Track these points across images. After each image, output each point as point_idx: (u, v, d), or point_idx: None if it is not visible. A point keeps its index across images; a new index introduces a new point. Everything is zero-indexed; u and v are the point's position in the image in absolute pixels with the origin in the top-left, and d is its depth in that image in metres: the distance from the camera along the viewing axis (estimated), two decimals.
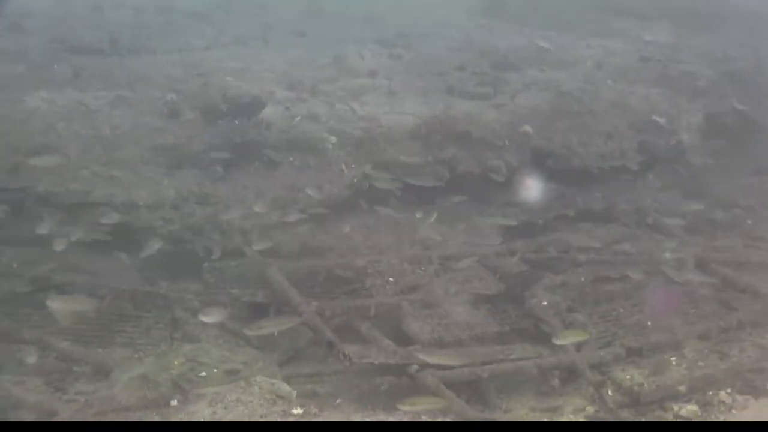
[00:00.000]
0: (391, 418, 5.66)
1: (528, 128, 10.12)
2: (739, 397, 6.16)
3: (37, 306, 7.09)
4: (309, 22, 16.07)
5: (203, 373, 6.39)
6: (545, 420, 6.06)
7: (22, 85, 10.47)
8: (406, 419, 5.65)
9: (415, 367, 6.22)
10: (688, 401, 6.14)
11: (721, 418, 5.90)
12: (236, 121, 9.36)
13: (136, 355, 6.68)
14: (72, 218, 7.97)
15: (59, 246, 7.26)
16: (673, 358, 6.67)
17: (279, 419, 5.49)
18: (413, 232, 8.65)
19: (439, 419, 5.69)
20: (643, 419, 5.98)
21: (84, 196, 8.18)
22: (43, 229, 7.46)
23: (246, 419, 5.50)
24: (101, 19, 15.47)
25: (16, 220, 8.02)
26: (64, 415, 5.71)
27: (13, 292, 7.16)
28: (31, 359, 6.34)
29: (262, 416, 5.55)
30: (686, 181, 10.61)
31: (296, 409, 5.70)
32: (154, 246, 7.63)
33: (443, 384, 6.07)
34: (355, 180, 9.04)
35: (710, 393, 6.18)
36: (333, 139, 9.35)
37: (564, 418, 6.05)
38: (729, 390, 6.21)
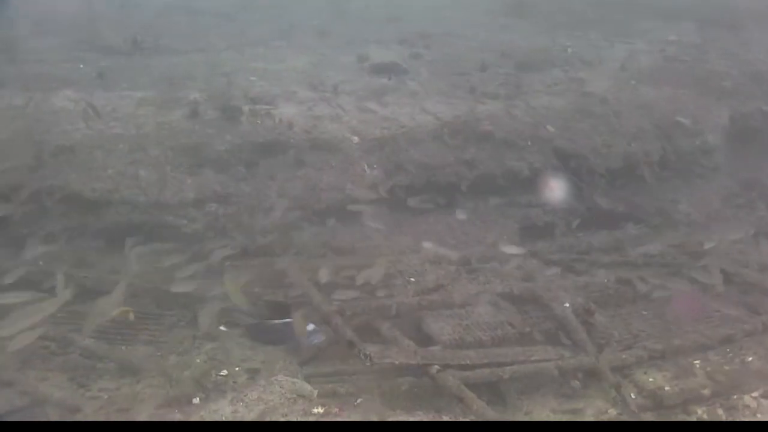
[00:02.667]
0: (411, 419, 5.66)
1: (551, 129, 10.07)
2: (765, 402, 6.10)
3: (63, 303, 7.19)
4: (331, 23, 16.10)
5: (224, 372, 6.45)
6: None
7: (48, 84, 10.60)
8: (426, 419, 5.65)
9: (436, 367, 6.21)
10: (712, 405, 6.08)
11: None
12: (259, 121, 9.40)
13: (159, 353, 6.75)
14: (95, 217, 8.09)
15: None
16: (697, 362, 6.62)
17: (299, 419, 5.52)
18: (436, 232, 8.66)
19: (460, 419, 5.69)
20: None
21: (108, 195, 8.26)
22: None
23: (267, 418, 5.52)
24: (125, 20, 15.62)
25: (41, 218, 8.13)
26: (88, 411, 5.77)
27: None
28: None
29: (283, 415, 5.58)
30: (710, 182, 10.51)
31: (317, 408, 5.72)
32: None
33: (464, 385, 6.06)
34: (377, 180, 9.05)
35: (735, 397, 6.12)
36: (355, 139, 9.36)
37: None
38: (754, 394, 6.14)
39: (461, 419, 5.73)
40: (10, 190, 8.13)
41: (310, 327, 6.88)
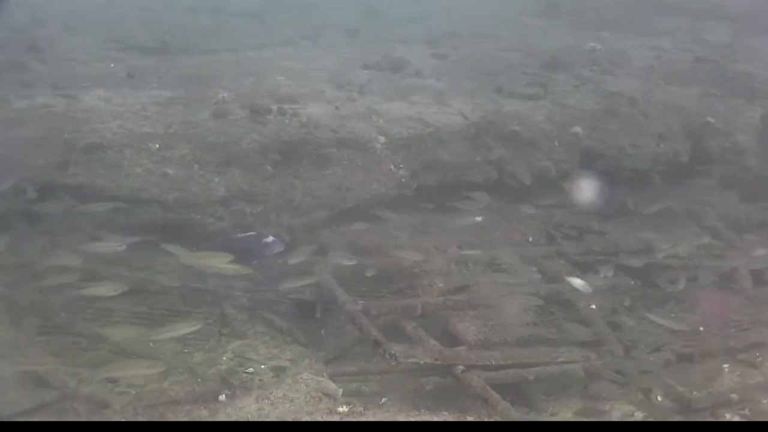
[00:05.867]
0: (435, 418, 5.66)
1: (578, 129, 10.00)
2: None
3: (92, 300, 7.29)
4: (359, 22, 16.13)
5: (250, 369, 6.49)
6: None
7: (78, 84, 10.73)
8: (451, 419, 5.65)
9: (461, 367, 6.21)
10: (741, 409, 6.01)
11: None
12: (286, 120, 9.45)
13: (186, 350, 6.81)
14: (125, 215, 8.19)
15: None
16: (726, 365, 6.54)
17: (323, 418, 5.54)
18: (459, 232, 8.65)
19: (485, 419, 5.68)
20: None
21: (137, 194, 8.35)
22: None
23: (292, 416, 5.55)
24: (155, 20, 15.78)
25: (70, 216, 8.24)
26: (116, 406, 5.84)
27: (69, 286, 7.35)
28: None
29: (308, 413, 5.61)
30: (741, 184, 10.39)
31: (342, 407, 5.74)
32: None
33: (489, 385, 6.04)
34: (403, 180, 9.07)
35: (765, 401, 6.04)
36: (382, 138, 9.38)
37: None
38: None
39: (486, 419, 5.72)
40: (41, 188, 8.26)
41: (269, 239, 7.71)
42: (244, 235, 7.96)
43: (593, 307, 7.25)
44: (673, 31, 15.08)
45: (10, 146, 8.67)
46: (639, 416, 6.04)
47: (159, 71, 11.75)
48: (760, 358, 6.64)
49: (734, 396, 6.10)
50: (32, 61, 11.83)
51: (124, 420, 5.68)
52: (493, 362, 6.32)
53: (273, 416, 5.59)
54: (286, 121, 9.43)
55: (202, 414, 5.76)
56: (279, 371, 6.47)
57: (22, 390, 5.95)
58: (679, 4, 16.64)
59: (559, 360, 6.50)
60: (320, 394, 5.93)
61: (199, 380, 6.29)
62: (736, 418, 5.85)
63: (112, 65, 12.08)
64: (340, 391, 6.03)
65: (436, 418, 5.63)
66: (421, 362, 6.26)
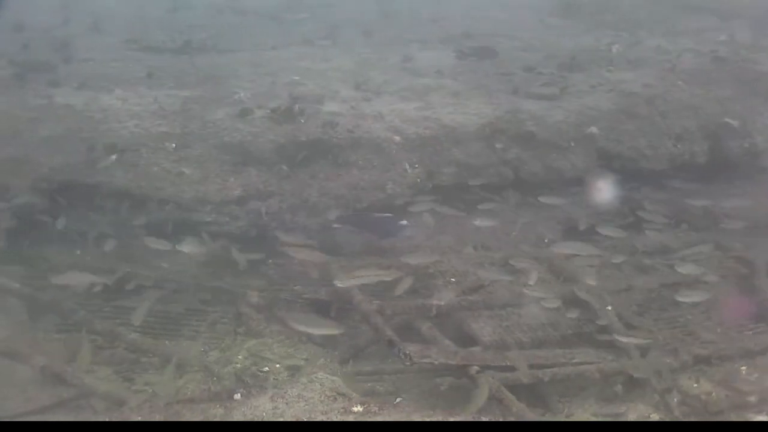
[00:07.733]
0: (450, 418, 5.65)
1: (594, 130, 9.95)
2: None
3: (108, 298, 7.37)
4: (376, 22, 16.14)
5: (266, 368, 6.51)
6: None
7: (97, 83, 10.81)
8: (466, 420, 5.64)
9: (476, 368, 6.19)
10: (759, 412, 5.96)
11: None
12: (302, 120, 9.46)
13: (202, 349, 6.85)
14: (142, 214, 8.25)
15: None
16: (744, 367, 6.49)
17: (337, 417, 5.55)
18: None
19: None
20: None
21: (154, 193, 8.40)
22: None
23: (307, 415, 5.56)
24: (174, 20, 15.87)
25: (89, 215, 8.32)
26: (133, 404, 5.88)
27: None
28: None
29: (323, 413, 5.62)
30: (759, 185, 10.29)
31: (356, 406, 5.74)
32: None
33: (504, 386, 6.02)
34: (419, 180, 9.06)
35: None
36: (397, 138, 9.37)
37: None
38: None
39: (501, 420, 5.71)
40: (60, 187, 8.34)
41: (403, 222, 8.35)
42: (382, 215, 8.37)
43: (609, 308, 7.22)
44: (694, 31, 14.97)
45: (27, 145, 8.75)
46: (655, 418, 6.00)
47: (177, 71, 11.81)
48: None
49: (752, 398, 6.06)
50: (53, 60, 11.92)
51: (140, 419, 5.71)
52: (508, 363, 6.29)
53: (288, 415, 5.61)
54: (302, 121, 9.44)
55: (217, 413, 5.79)
56: (294, 370, 6.49)
57: None
58: (699, 4, 16.52)
59: (575, 361, 6.47)
60: (335, 394, 5.94)
61: (215, 378, 6.32)
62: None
63: (131, 65, 12.16)
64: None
65: (450, 419, 5.62)
66: (436, 362, 6.25)
